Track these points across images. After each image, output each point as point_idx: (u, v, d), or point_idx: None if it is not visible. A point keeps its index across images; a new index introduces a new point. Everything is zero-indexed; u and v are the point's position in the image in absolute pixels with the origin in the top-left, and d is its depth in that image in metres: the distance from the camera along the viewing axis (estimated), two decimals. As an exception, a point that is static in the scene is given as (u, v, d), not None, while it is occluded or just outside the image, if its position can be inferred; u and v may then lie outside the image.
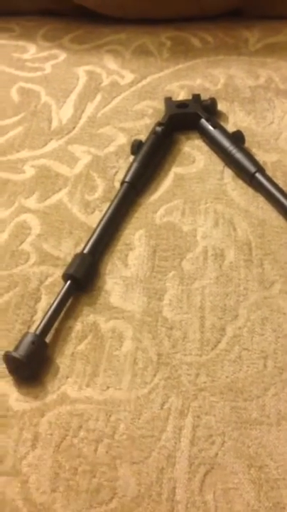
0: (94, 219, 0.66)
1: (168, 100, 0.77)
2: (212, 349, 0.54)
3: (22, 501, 0.46)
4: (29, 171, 0.72)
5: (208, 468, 0.47)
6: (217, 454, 0.48)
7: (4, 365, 0.53)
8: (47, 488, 0.46)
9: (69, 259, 0.61)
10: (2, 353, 0.53)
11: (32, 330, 0.56)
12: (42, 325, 0.55)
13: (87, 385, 0.53)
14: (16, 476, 0.47)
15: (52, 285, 0.60)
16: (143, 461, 0.48)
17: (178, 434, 0.49)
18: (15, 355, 0.52)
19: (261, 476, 0.46)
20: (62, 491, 0.46)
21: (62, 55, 0.91)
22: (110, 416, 0.50)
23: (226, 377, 0.52)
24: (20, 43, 0.94)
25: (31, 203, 0.68)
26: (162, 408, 0.51)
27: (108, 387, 0.52)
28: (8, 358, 0.52)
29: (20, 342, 0.53)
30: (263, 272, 0.60)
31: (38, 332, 0.54)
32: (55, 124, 0.78)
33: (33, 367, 0.53)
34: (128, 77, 0.85)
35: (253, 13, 0.94)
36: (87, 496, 0.46)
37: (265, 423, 0.49)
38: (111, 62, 0.88)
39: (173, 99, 0.78)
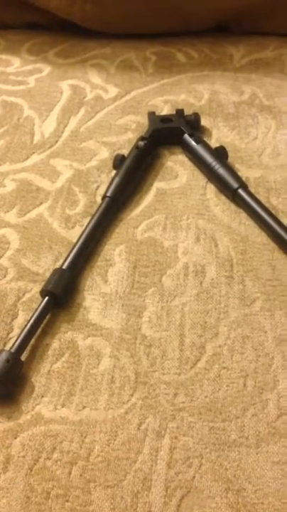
0: (75, 234, 0.65)
1: (152, 115, 0.77)
2: (191, 368, 0.53)
3: None
4: (10, 185, 0.71)
5: (185, 492, 0.46)
6: (194, 477, 0.47)
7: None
8: None
9: (48, 274, 0.60)
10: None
11: (7, 347, 0.54)
12: (18, 342, 0.54)
13: (63, 405, 0.51)
14: (-14, 500, 0.46)
15: (30, 301, 0.59)
16: (117, 484, 0.46)
17: (155, 456, 0.48)
18: (-11, 373, 0.51)
19: (238, 500, 0.45)
20: None
21: (47, 69, 0.90)
22: (85, 437, 0.49)
23: (205, 396, 0.51)
24: (5, 56, 0.93)
25: (11, 217, 0.67)
26: (139, 429, 0.49)
27: (84, 407, 0.51)
28: (-18, 377, 0.51)
29: (-5, 359, 0.52)
30: (245, 289, 0.59)
31: (13, 350, 0.53)
32: (37, 137, 0.78)
33: (7, 386, 0.52)
34: (112, 91, 0.84)
35: (238, 29, 0.94)
36: None
37: (244, 445, 0.48)
38: (95, 77, 0.88)
39: (157, 113, 0.78)
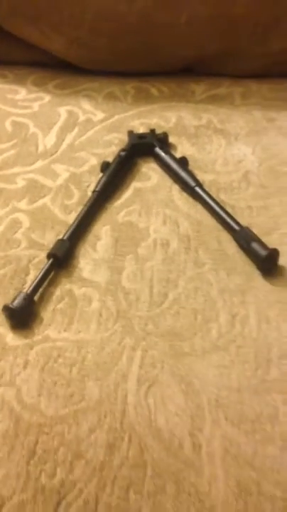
0: (71, 218, 0.83)
1: (131, 133, 0.95)
2: (158, 307, 0.71)
3: (16, 402, 0.62)
4: (20, 182, 0.91)
5: (151, 383, 0.62)
6: (157, 375, 0.63)
7: (3, 316, 0.71)
8: (35, 394, 0.63)
9: (51, 245, 0.79)
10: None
11: (23, 293, 0.73)
12: (31, 288, 0.73)
13: (64, 330, 0.69)
14: (12, 386, 0.64)
15: (39, 263, 0.77)
16: (104, 377, 0.64)
17: (130, 361, 0.65)
18: (12, 306, 0.70)
19: (188, 388, 0.62)
20: (45, 395, 0.62)
21: (47, 97, 1.09)
22: (81, 349, 0.67)
23: (167, 325, 0.68)
24: (13, 86, 1.12)
25: (22, 205, 0.87)
26: (119, 345, 0.67)
27: (80, 332, 0.69)
28: (6, 309, 0.70)
29: (15, 298, 0.71)
30: (198, 256, 0.77)
31: (28, 292, 0.73)
32: (40, 148, 0.97)
33: (24, 316, 0.70)
34: (100, 115, 1.03)
35: (200, 71, 1.11)
36: (63, 399, 0.62)
37: (193, 355, 0.65)
38: (86, 104, 1.07)
39: (135, 132, 0.96)
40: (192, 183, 0.87)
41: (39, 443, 0.59)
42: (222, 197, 0.87)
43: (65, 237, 0.80)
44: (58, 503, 0.56)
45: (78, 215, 0.83)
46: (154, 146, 0.92)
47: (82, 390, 0.64)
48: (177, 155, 0.92)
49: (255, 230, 0.79)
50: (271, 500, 0.55)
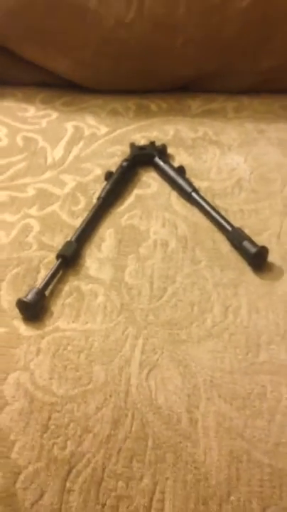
0: (78, 222, 0.91)
1: (132, 145, 1.03)
2: (158, 300, 0.78)
3: (30, 384, 0.69)
4: (31, 191, 0.99)
5: (152, 367, 0.70)
6: (157, 359, 0.71)
7: (17, 310, 0.78)
8: (47, 377, 0.70)
9: (60, 247, 0.86)
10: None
11: (35, 289, 0.81)
12: (43, 284, 0.80)
13: (73, 322, 0.76)
14: (26, 371, 0.71)
15: (49, 263, 0.84)
16: (109, 362, 0.71)
17: (133, 348, 0.72)
18: (25, 299, 0.77)
19: (185, 371, 0.69)
20: (56, 378, 0.69)
21: (55, 114, 1.17)
22: (88, 338, 0.74)
23: (167, 316, 0.76)
24: (23, 105, 1.20)
25: (33, 211, 0.94)
26: (123, 334, 0.74)
27: (87, 323, 0.76)
28: (20, 302, 0.77)
29: (28, 292, 0.78)
30: (194, 254, 0.85)
31: (40, 287, 0.80)
32: (49, 160, 1.05)
33: (36, 309, 0.77)
34: (103, 129, 1.12)
35: (196, 88, 1.20)
36: (73, 381, 0.69)
37: (190, 342, 0.73)
38: (91, 120, 1.16)
39: (136, 144, 1.05)
40: (189, 189, 0.94)
41: (51, 419, 0.66)
42: (217, 202, 0.95)
43: (73, 239, 0.87)
44: (69, 472, 0.63)
45: (84, 219, 0.91)
46: (154, 157, 1.00)
47: (89, 373, 0.70)
48: (175, 164, 1.00)
49: (246, 231, 0.87)
50: (260, 466, 0.62)
